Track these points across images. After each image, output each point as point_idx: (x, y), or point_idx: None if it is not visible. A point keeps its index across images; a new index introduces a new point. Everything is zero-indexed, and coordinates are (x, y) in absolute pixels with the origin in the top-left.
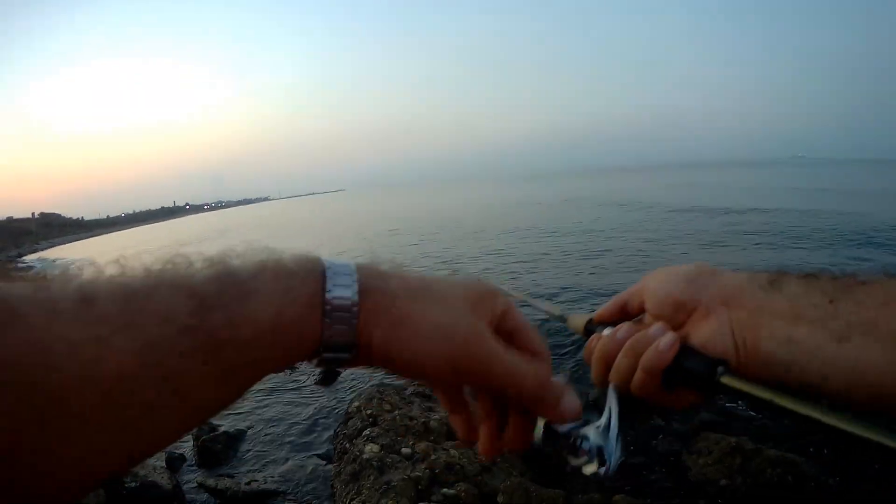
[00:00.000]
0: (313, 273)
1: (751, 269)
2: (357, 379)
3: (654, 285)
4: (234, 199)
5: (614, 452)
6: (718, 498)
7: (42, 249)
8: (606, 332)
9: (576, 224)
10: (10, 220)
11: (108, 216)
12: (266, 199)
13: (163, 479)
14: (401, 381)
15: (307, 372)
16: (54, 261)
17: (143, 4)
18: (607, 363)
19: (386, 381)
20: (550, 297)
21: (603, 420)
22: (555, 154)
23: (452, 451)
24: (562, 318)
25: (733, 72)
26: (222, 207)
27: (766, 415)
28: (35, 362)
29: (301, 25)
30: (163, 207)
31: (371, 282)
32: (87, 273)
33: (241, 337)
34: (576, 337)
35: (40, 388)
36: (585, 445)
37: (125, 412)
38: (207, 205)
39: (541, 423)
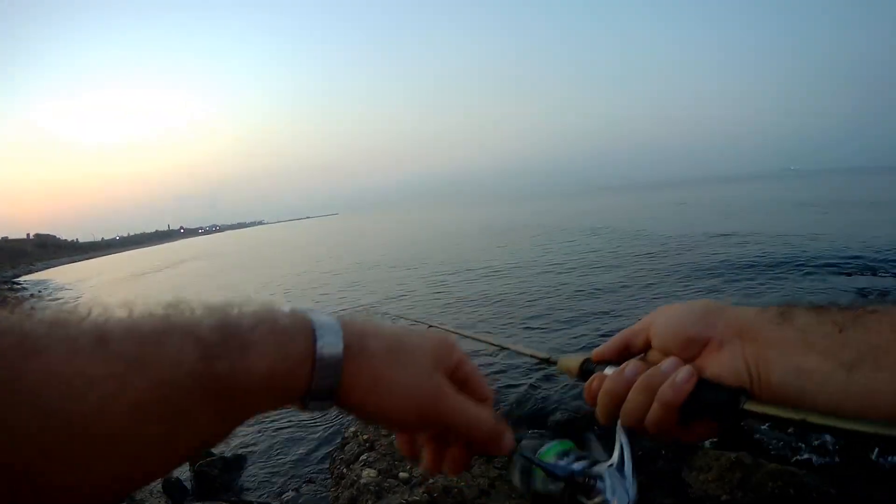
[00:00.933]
0: (304, 331)
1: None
2: None
3: (663, 322)
4: (228, 223)
5: (631, 490)
6: None
7: (38, 271)
8: (609, 370)
9: (540, 254)
10: (5, 241)
11: (102, 238)
12: (260, 222)
13: None
14: None
15: None
16: (44, 288)
17: (139, 25)
18: (616, 401)
19: None
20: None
21: (615, 458)
22: (542, 174)
23: (450, 476)
24: (548, 361)
25: (722, 86)
26: (216, 231)
27: (763, 430)
28: (56, 393)
29: (296, 49)
30: (157, 231)
31: (354, 342)
32: (99, 312)
33: (240, 384)
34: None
35: (60, 417)
36: (600, 486)
37: (136, 442)
38: (202, 228)
39: (540, 472)
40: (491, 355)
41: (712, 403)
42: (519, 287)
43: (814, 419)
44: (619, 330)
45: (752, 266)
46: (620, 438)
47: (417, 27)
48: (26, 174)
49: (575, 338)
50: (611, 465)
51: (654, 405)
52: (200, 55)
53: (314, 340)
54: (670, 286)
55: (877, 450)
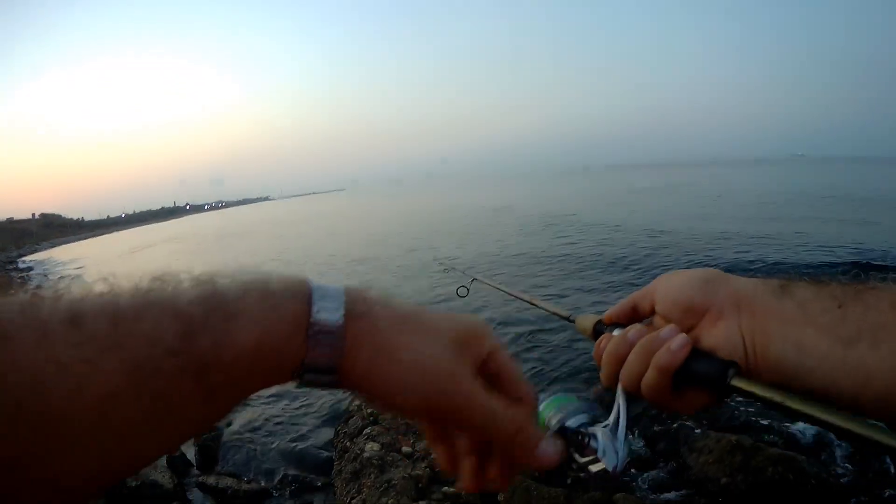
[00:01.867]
0: (299, 295)
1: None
2: None
3: (665, 288)
4: (234, 199)
5: (622, 452)
6: (720, 496)
7: (42, 250)
8: (616, 332)
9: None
10: (10, 221)
11: (108, 216)
12: (266, 198)
13: (164, 478)
14: None
15: None
16: (46, 267)
17: (144, 2)
18: (618, 363)
19: None
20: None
21: (611, 419)
22: (550, 152)
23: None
24: (569, 319)
25: (733, 70)
26: (223, 207)
27: (766, 414)
28: (23, 383)
29: (303, 24)
30: (163, 207)
31: (357, 307)
32: (76, 290)
33: (226, 359)
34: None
35: (29, 409)
36: (593, 444)
37: (114, 430)
38: (208, 205)
39: (554, 419)
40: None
41: (702, 374)
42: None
43: (792, 404)
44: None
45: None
46: (619, 401)
47: (426, 6)
48: (31, 154)
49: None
50: (606, 425)
51: (650, 369)
52: (206, 31)
53: (310, 303)
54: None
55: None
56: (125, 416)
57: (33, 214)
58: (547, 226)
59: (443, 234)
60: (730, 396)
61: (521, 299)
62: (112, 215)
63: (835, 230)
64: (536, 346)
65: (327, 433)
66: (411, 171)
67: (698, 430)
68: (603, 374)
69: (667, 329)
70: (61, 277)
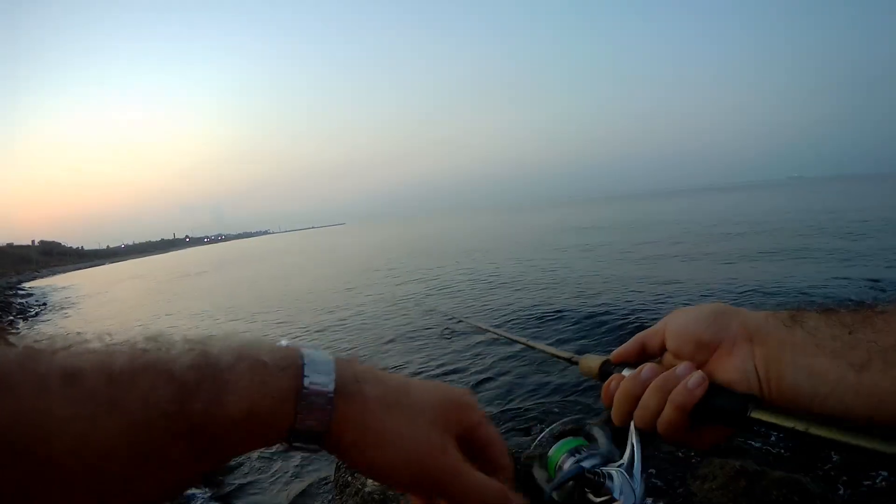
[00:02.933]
0: (290, 368)
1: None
2: None
3: (676, 325)
4: (234, 233)
5: (638, 490)
6: None
7: (42, 277)
8: (626, 372)
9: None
10: (10, 247)
11: (108, 246)
12: (266, 232)
13: None
14: None
15: None
16: (47, 296)
17: (145, 29)
18: (631, 403)
19: None
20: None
21: (625, 458)
22: (551, 183)
23: None
24: (571, 361)
25: (725, 95)
26: (222, 240)
27: (769, 438)
28: (25, 433)
29: (302, 57)
30: (162, 239)
31: (348, 385)
32: (73, 344)
33: (217, 425)
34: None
35: (29, 458)
36: (609, 484)
37: (108, 483)
38: (207, 237)
39: (567, 462)
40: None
41: (722, 409)
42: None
43: (816, 430)
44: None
45: None
46: (633, 439)
47: (420, 33)
48: (31, 180)
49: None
50: (621, 465)
51: (667, 408)
52: (207, 61)
53: (301, 377)
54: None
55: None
56: (119, 471)
57: (33, 241)
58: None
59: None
60: (749, 430)
61: (516, 342)
62: (112, 245)
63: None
64: (524, 387)
65: (328, 468)
66: (414, 202)
67: (698, 459)
68: (615, 414)
69: (682, 366)
70: (63, 311)
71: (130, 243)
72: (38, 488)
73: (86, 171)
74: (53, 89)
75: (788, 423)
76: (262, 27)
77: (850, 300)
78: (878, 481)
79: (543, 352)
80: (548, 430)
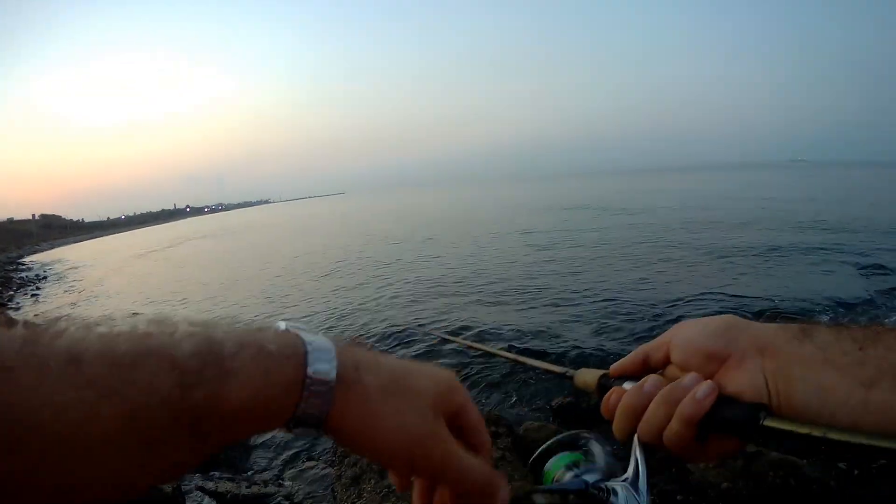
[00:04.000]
0: (294, 357)
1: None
2: None
3: (683, 337)
4: (235, 202)
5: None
6: (720, 501)
7: (42, 251)
8: (627, 385)
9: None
10: (10, 222)
11: (108, 218)
12: (266, 201)
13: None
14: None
15: None
16: (47, 268)
17: (148, 1)
18: (634, 416)
19: None
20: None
21: (630, 473)
22: (551, 155)
23: None
24: (565, 376)
25: (734, 74)
26: (223, 210)
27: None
28: (22, 420)
29: (302, 25)
30: (163, 210)
31: (348, 372)
32: (74, 328)
33: (219, 412)
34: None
35: (26, 445)
36: (613, 500)
37: (106, 469)
38: (208, 207)
39: (567, 475)
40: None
41: (732, 419)
42: None
43: (834, 435)
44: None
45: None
46: (636, 453)
47: (425, 6)
48: (31, 154)
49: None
50: (625, 479)
51: (674, 420)
52: (208, 32)
53: (305, 365)
54: None
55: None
56: (118, 457)
57: (33, 215)
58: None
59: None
60: (760, 440)
61: (505, 358)
62: (112, 217)
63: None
64: (512, 401)
65: (325, 438)
66: (415, 172)
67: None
68: (617, 428)
69: (689, 377)
70: (63, 283)
71: (131, 214)
72: (36, 474)
73: (88, 143)
74: (50, 59)
75: (804, 430)
76: None
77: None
78: (873, 466)
79: (534, 367)
80: (544, 445)
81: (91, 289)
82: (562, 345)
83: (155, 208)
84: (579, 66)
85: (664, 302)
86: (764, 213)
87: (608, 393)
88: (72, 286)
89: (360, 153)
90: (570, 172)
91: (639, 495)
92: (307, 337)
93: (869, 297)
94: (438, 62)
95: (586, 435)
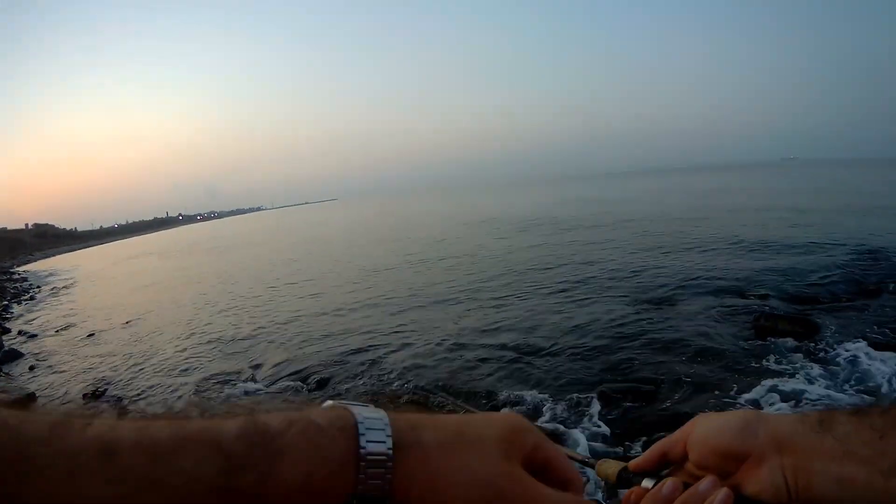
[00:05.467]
0: (345, 429)
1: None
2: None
3: (701, 434)
4: (227, 210)
5: None
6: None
7: (36, 260)
8: (646, 483)
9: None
10: (4, 231)
11: (101, 227)
12: (259, 208)
13: None
14: (398, 390)
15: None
16: (41, 277)
17: (135, 12)
18: None
19: (380, 390)
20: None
21: None
22: (541, 160)
23: None
24: (587, 464)
25: (722, 75)
26: (215, 218)
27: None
28: None
29: (295, 32)
30: (156, 218)
31: (404, 436)
32: (106, 416)
33: (271, 496)
34: None
35: None
36: None
37: None
38: (200, 215)
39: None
40: None
41: None
42: None
43: None
44: None
45: None
46: None
47: (413, 18)
48: (24, 163)
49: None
50: None
51: None
52: (197, 38)
53: (357, 436)
54: None
55: None
56: None
57: (26, 224)
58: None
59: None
60: None
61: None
62: (105, 225)
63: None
64: None
65: None
66: (407, 179)
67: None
68: None
69: (705, 483)
70: (57, 294)
71: (124, 223)
72: None
73: (78, 151)
74: (42, 69)
75: None
76: (255, 3)
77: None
78: None
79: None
80: None
81: (85, 301)
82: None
83: (147, 216)
84: (564, 69)
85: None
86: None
87: (629, 492)
88: (66, 296)
89: (352, 160)
90: (565, 175)
91: None
92: (356, 409)
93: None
94: (435, 69)
95: None
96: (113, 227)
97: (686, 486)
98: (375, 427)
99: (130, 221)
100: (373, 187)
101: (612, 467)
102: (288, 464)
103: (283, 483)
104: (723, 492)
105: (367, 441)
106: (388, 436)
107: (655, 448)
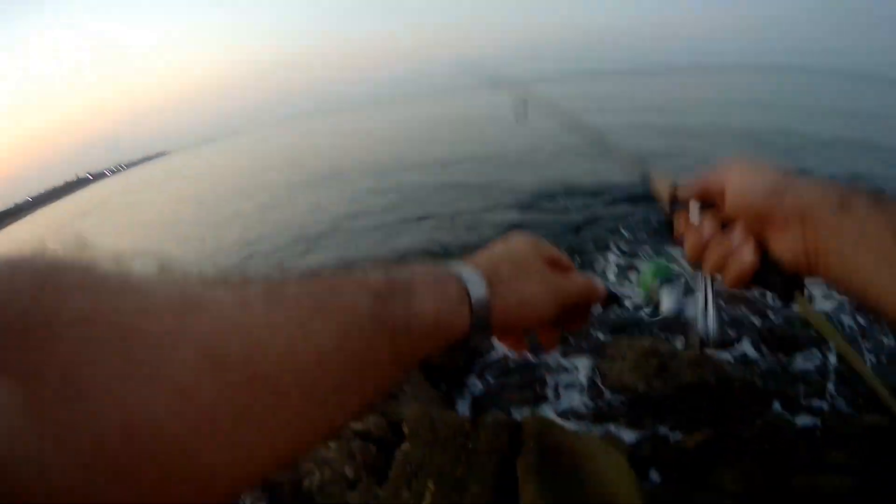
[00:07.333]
0: (455, 280)
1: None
2: None
3: (736, 185)
4: (136, 159)
5: (712, 325)
6: (637, 405)
7: None
8: (692, 211)
9: None
10: None
11: (15, 204)
12: (162, 154)
13: None
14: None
15: None
16: None
17: None
18: (697, 252)
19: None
20: None
21: (699, 303)
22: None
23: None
24: (644, 174)
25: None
26: (123, 170)
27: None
28: (233, 343)
29: None
30: (66, 182)
31: (490, 276)
32: (258, 277)
33: (412, 326)
34: None
35: (238, 369)
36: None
37: (319, 391)
38: (107, 171)
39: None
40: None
41: (770, 286)
42: None
43: (837, 348)
44: None
45: None
46: (699, 286)
47: None
48: None
49: None
50: (701, 306)
51: (725, 272)
52: None
53: (462, 280)
54: None
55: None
56: (330, 378)
57: None
58: None
59: None
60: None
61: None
62: (18, 202)
63: None
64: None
65: None
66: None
67: (606, 337)
68: (687, 256)
69: (737, 235)
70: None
71: (35, 195)
72: (248, 402)
73: None
74: None
75: (821, 327)
76: None
77: None
78: (796, 365)
79: (612, 153)
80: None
81: None
82: None
83: (58, 182)
84: None
85: None
86: None
87: (678, 218)
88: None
89: (258, 89)
90: (549, 77)
91: (707, 318)
92: (452, 265)
93: None
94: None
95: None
96: (27, 200)
97: (722, 227)
98: (472, 277)
99: (41, 192)
100: (283, 114)
101: (663, 185)
102: (421, 301)
103: (420, 316)
104: (749, 249)
105: (471, 286)
106: (483, 281)
107: (699, 184)
